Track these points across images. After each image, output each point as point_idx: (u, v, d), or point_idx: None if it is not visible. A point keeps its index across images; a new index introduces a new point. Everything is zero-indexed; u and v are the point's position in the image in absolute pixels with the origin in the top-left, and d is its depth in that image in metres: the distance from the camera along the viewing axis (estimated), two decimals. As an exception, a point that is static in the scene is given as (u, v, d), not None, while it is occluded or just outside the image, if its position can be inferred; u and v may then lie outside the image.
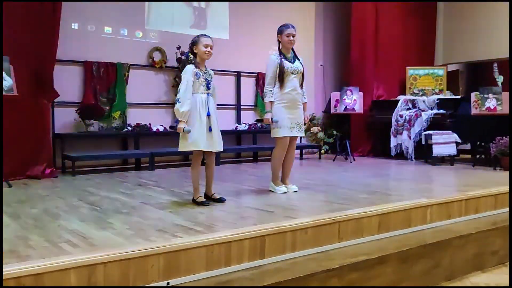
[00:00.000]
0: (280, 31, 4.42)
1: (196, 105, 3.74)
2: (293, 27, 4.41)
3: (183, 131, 3.67)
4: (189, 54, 3.91)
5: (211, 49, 3.85)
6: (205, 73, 3.86)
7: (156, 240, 2.68)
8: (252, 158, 8.04)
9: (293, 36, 4.38)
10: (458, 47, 8.99)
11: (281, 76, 4.31)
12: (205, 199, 3.85)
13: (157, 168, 6.42)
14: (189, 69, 3.80)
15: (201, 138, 3.72)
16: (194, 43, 3.86)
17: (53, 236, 2.82)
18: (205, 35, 3.92)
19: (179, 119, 3.69)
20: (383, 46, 8.49)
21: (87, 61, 6.54)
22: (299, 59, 4.49)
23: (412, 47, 8.83)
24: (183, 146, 3.78)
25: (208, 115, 3.77)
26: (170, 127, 7.11)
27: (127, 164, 6.91)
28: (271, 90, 4.35)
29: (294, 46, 4.47)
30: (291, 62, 4.39)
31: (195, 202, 3.85)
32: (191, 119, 3.72)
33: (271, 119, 4.30)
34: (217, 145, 3.85)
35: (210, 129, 3.76)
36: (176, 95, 3.58)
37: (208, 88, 3.85)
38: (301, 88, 4.47)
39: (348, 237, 3.27)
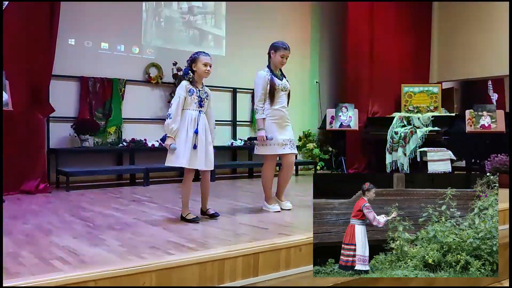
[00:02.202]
0: (275, 49, 4.30)
1: (185, 121, 3.70)
2: (289, 48, 4.33)
3: (170, 147, 3.66)
4: (189, 71, 3.81)
5: (210, 67, 3.80)
6: (199, 90, 3.81)
7: (148, 257, 2.65)
8: (247, 174, 8.02)
9: (286, 58, 4.32)
10: (453, 65, 9.06)
11: (272, 93, 4.24)
12: (195, 216, 3.78)
13: (152, 184, 6.39)
14: (183, 85, 3.77)
15: (184, 155, 3.65)
16: (193, 60, 3.79)
17: (44, 253, 2.79)
18: (204, 52, 3.84)
19: (168, 135, 3.68)
20: (378, 63, 8.54)
21: (83, 77, 6.55)
22: (285, 77, 4.44)
23: (407, 65, 8.89)
24: (168, 161, 3.74)
25: (196, 132, 3.71)
26: (159, 140, 6.93)
27: (122, 179, 6.86)
28: (262, 107, 4.25)
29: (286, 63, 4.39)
30: (279, 79, 4.33)
31: (183, 220, 3.78)
32: (178, 134, 3.68)
33: (266, 136, 4.19)
34: (201, 163, 3.72)
35: (195, 147, 3.69)
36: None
37: (201, 105, 3.79)
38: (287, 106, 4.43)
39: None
